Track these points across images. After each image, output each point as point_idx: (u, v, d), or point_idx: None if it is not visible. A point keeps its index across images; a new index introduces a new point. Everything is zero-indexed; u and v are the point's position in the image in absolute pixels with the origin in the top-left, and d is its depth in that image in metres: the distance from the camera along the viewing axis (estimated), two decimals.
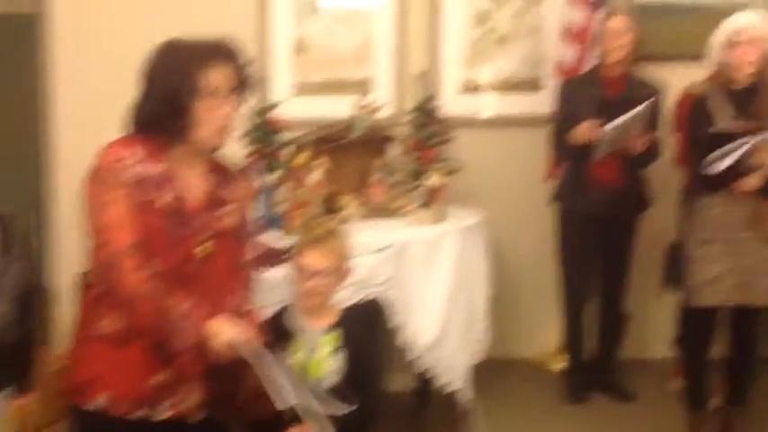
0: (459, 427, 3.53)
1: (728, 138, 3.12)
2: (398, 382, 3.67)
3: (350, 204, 3.49)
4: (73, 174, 2.13)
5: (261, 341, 1.99)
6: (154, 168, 1.95)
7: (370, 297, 3.14)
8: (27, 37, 4.03)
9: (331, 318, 2.48)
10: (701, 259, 3.33)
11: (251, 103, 2.48)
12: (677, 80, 3.70)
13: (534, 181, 4.08)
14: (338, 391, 2.27)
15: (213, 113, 1.95)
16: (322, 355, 2.42)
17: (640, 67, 3.82)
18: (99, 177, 1.92)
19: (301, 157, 3.44)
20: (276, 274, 2.75)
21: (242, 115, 2.20)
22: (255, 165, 3.40)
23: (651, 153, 3.65)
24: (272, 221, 3.33)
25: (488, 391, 3.74)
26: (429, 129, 3.69)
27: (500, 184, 4.20)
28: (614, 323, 3.89)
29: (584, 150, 3.57)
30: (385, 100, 4.00)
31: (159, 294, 1.90)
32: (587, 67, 3.89)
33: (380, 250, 3.20)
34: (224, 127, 1.99)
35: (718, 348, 3.51)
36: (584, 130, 3.53)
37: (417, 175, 3.60)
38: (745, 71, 3.22)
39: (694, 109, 3.34)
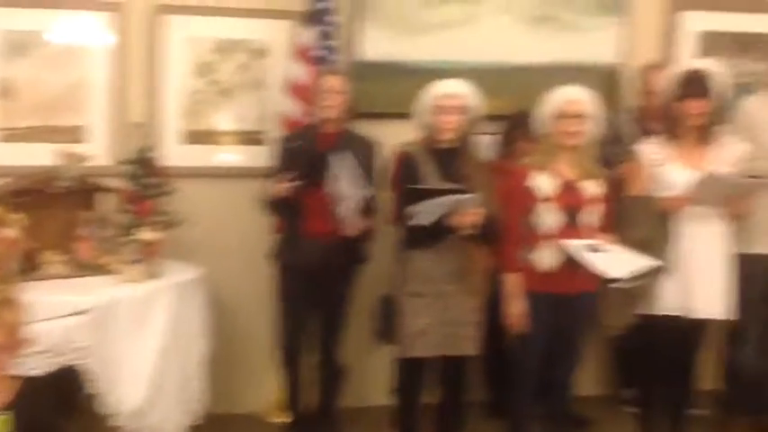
0: None
1: (432, 195, 3.25)
2: None
3: (51, 261, 3.27)
4: None
5: None
6: None
7: (67, 364, 2.94)
8: None
9: (4, 396, 2.28)
10: (411, 312, 3.45)
11: None
12: (395, 138, 3.84)
13: (257, 234, 4.04)
14: None
15: None
16: None
17: (359, 123, 3.92)
18: None
19: None
20: None
21: None
22: None
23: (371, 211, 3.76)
24: None
25: None
26: (146, 180, 3.57)
27: (222, 238, 4.14)
28: (332, 375, 3.92)
29: (290, 205, 3.60)
30: (100, 149, 3.82)
31: None
32: (309, 121, 3.93)
33: (79, 313, 3.00)
34: None
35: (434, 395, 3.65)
36: (280, 188, 3.56)
37: (131, 228, 3.46)
38: (446, 135, 3.39)
39: (403, 167, 3.47)
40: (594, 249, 3.30)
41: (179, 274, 3.52)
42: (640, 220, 3.48)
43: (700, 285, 3.50)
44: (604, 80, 4.35)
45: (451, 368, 3.59)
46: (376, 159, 3.78)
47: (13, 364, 2.29)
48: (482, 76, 3.95)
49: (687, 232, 3.50)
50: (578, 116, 3.38)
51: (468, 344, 3.48)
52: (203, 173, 4.12)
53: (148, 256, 3.41)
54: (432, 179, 3.38)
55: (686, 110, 3.49)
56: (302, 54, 4.00)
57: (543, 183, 3.41)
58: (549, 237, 3.38)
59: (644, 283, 3.37)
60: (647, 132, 3.91)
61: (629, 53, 4.39)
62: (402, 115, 3.72)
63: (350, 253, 3.72)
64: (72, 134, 3.83)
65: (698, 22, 4.49)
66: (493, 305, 3.50)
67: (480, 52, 4.27)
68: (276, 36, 4.15)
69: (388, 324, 3.52)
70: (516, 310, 3.40)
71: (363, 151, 3.75)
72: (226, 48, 4.13)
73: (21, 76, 3.87)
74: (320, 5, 3.97)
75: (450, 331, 3.45)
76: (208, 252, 3.95)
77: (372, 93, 4.12)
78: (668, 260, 3.46)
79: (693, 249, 3.50)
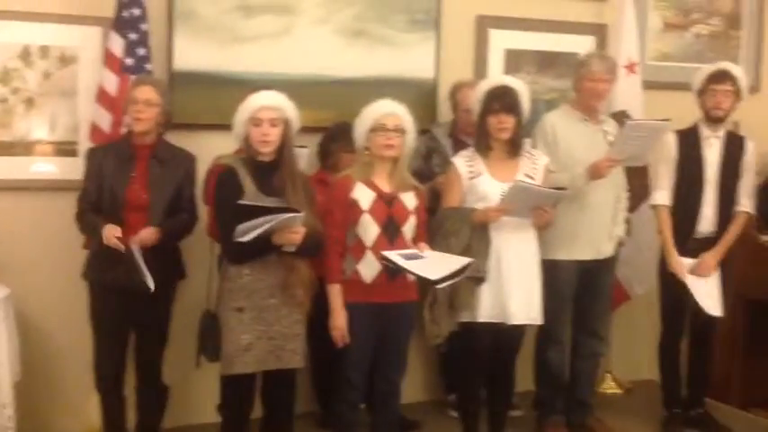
0: None
1: (258, 213, 3.23)
2: None
3: None
4: None
5: None
6: None
7: None
8: None
9: None
10: (234, 327, 3.40)
11: None
12: (213, 149, 3.78)
13: (70, 251, 3.85)
14: None
15: None
16: None
17: (174, 134, 3.83)
18: None
19: None
20: None
21: None
22: None
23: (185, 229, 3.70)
24: None
25: None
26: None
27: (32, 255, 3.93)
28: (153, 394, 3.79)
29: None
30: None
31: None
32: (121, 132, 3.80)
33: None
34: None
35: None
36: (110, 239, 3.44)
37: None
38: (264, 148, 3.38)
39: (222, 180, 3.42)
40: (413, 257, 3.41)
41: None
42: (459, 230, 3.62)
43: (515, 292, 3.68)
44: (422, 95, 4.50)
45: (278, 382, 3.57)
46: (192, 172, 3.72)
47: None
48: (300, 88, 4.00)
49: (501, 242, 3.67)
50: (395, 129, 3.48)
51: (293, 357, 3.47)
52: (11, 186, 3.90)
53: None
54: (251, 193, 3.35)
55: (495, 124, 3.67)
56: (112, 62, 3.87)
57: (363, 195, 3.48)
58: (369, 248, 3.45)
59: (461, 281, 3.49)
60: (461, 146, 4.09)
61: (442, 69, 4.55)
62: (220, 127, 3.68)
63: (166, 269, 3.62)
64: None
65: (504, 40, 4.72)
66: (318, 317, 3.53)
67: (298, 64, 4.29)
68: (86, 43, 4.00)
69: (211, 340, 3.45)
70: (340, 321, 3.45)
71: (179, 163, 3.67)
72: (31, 54, 3.92)
73: None
74: (128, 13, 3.86)
75: (274, 345, 3.43)
76: (18, 270, 3.74)
77: (189, 103, 4.05)
78: (487, 269, 3.62)
79: (507, 258, 3.68)
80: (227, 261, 3.43)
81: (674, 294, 4.24)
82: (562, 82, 4.75)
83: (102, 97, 3.88)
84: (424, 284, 3.44)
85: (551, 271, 3.90)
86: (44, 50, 3.94)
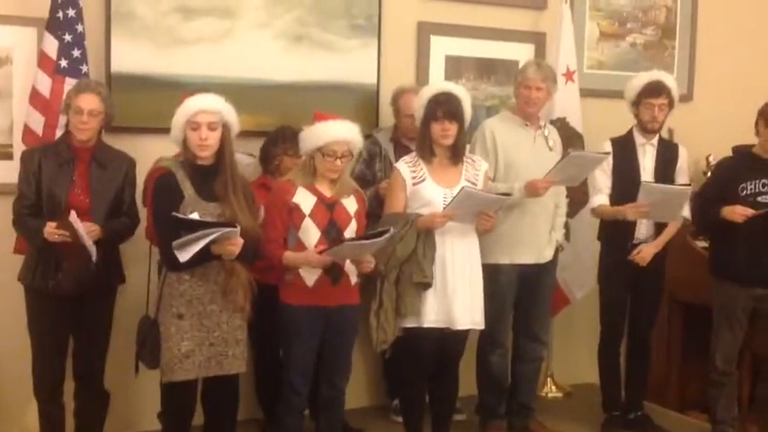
0: None
1: (196, 227, 3.17)
2: None
3: None
4: None
5: None
6: None
7: None
8: None
9: None
10: (174, 334, 3.33)
11: None
12: (152, 153, 3.72)
13: (3, 256, 3.75)
14: None
15: None
16: None
17: (113, 137, 3.76)
18: None
19: None
20: None
21: None
22: None
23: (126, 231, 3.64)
24: None
25: None
26: None
27: None
28: (93, 401, 3.70)
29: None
30: None
31: None
32: (56, 134, 3.71)
33: None
34: None
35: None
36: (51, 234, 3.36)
37: None
38: (202, 152, 3.32)
39: (159, 184, 3.36)
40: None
41: None
42: (404, 235, 3.61)
43: (459, 297, 3.68)
44: (364, 99, 4.49)
45: (220, 388, 3.51)
46: (133, 175, 3.65)
47: None
48: (241, 92, 3.98)
49: (446, 247, 3.68)
50: (342, 156, 3.47)
51: (235, 362, 3.42)
52: None
53: None
54: (190, 197, 3.30)
55: (438, 131, 3.68)
56: (45, 64, 3.79)
57: (304, 199, 3.47)
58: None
59: (407, 286, 3.55)
60: (403, 150, 4.09)
61: (384, 74, 4.56)
62: (159, 130, 3.62)
63: (106, 273, 3.54)
64: None
65: (445, 46, 4.75)
66: (261, 322, 3.48)
67: (239, 68, 4.25)
68: (20, 44, 3.90)
69: (149, 347, 3.38)
70: (313, 257, 3.41)
71: (119, 167, 3.60)
72: None
73: None
74: (63, 13, 3.78)
75: (215, 351, 3.38)
76: None
77: (127, 106, 3.96)
78: (432, 275, 3.62)
79: (452, 263, 3.68)
80: (167, 268, 3.37)
81: (612, 298, 4.31)
82: (502, 89, 4.80)
83: (36, 99, 3.79)
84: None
85: (493, 275, 3.92)
86: None
